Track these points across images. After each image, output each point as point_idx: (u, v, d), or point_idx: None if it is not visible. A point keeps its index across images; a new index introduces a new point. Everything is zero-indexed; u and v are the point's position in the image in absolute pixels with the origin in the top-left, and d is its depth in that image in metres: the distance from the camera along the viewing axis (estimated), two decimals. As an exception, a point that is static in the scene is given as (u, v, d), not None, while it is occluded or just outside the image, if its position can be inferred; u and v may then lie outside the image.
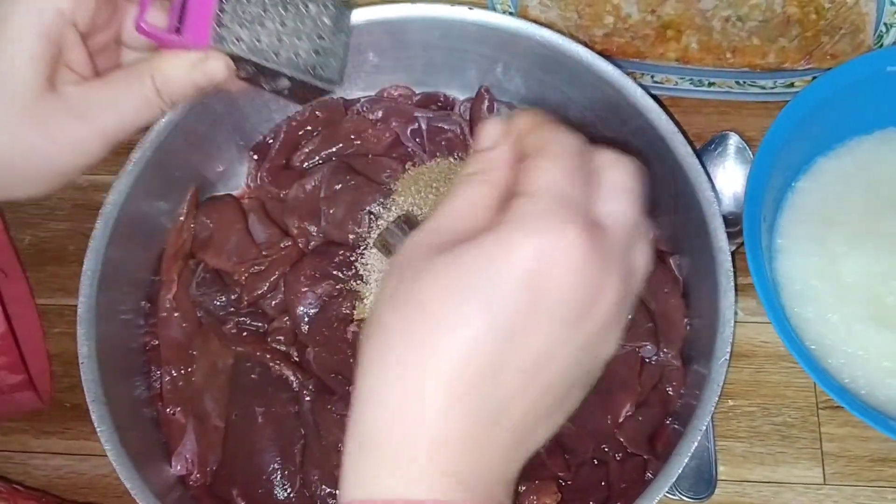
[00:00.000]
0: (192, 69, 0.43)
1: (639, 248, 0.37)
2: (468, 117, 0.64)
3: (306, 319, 0.58)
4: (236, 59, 0.45)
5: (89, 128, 0.41)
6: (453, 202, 0.36)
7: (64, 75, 0.41)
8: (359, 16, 0.58)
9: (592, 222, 0.34)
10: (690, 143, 0.55)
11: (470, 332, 0.32)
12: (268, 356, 0.57)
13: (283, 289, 0.59)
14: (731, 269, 0.52)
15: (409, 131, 0.64)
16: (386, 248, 0.41)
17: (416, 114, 0.64)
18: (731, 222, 0.58)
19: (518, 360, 0.33)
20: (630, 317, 0.40)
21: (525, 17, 0.69)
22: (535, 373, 0.34)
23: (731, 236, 0.56)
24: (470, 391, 0.33)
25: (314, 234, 0.60)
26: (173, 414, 0.57)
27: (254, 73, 0.46)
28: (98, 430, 0.50)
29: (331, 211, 0.60)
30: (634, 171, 0.37)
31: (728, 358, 0.51)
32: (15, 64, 0.39)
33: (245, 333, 0.58)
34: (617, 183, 0.36)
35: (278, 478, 0.55)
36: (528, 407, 0.35)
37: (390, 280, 0.35)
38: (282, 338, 0.58)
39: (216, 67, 0.44)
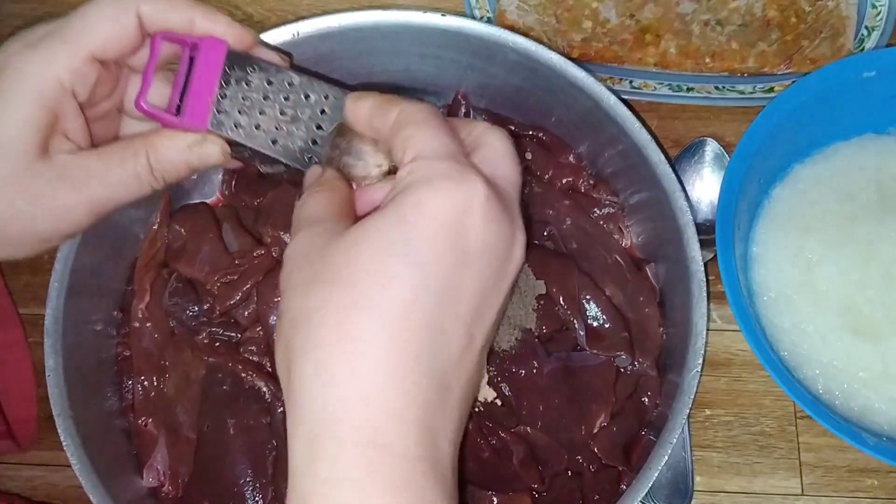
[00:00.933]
0: (188, 151, 0.42)
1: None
2: (444, 124, 0.64)
3: (279, 330, 0.57)
4: (233, 143, 0.45)
5: (77, 197, 0.40)
6: (313, 199, 0.39)
7: (59, 143, 0.40)
8: (331, 21, 0.58)
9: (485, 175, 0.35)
10: (664, 151, 0.55)
11: (403, 289, 0.32)
12: (240, 367, 0.56)
13: (255, 298, 0.58)
14: (704, 279, 0.52)
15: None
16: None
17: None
18: (708, 230, 0.58)
19: (457, 311, 0.33)
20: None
21: (503, 21, 0.68)
22: (473, 325, 0.34)
23: (707, 244, 0.56)
24: (418, 352, 0.32)
25: (288, 242, 0.60)
26: (145, 425, 0.57)
27: (249, 155, 0.46)
28: (64, 443, 0.50)
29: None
30: (510, 138, 0.39)
31: (700, 369, 0.51)
32: (9, 129, 0.38)
33: (217, 344, 0.58)
34: (498, 147, 0.38)
35: (250, 490, 0.54)
36: (475, 358, 0.35)
37: (296, 275, 0.35)
38: (254, 348, 0.57)
39: (212, 151, 0.43)
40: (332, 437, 0.31)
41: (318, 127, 0.45)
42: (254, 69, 0.43)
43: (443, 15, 0.58)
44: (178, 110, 0.42)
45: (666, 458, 0.49)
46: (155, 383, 0.57)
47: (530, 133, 0.64)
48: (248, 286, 0.58)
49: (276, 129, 0.44)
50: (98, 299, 0.58)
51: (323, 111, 0.45)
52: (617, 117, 0.56)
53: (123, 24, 0.40)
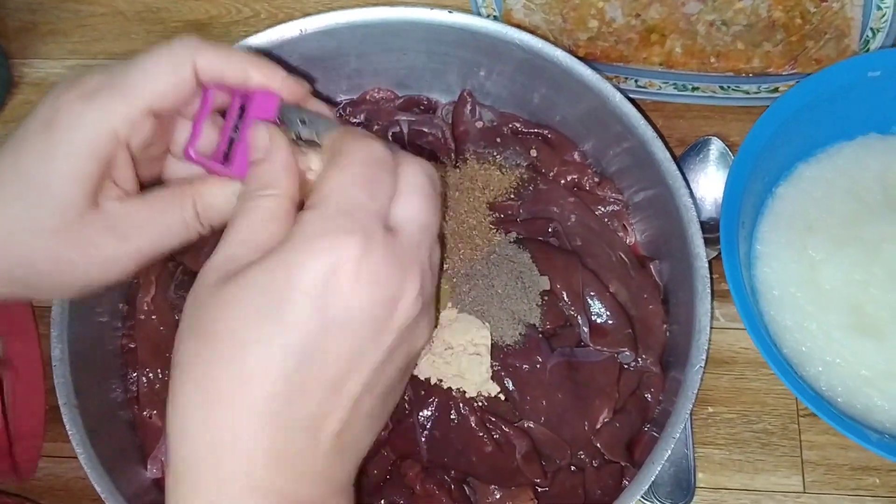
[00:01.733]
0: (235, 199, 0.41)
1: (434, 246, 0.38)
2: (450, 121, 0.64)
3: (283, 323, 0.57)
4: None
5: (125, 247, 0.40)
6: (240, 224, 0.37)
7: (108, 191, 0.40)
8: (338, 18, 0.58)
9: (385, 227, 0.35)
10: (669, 148, 0.55)
11: (263, 353, 0.33)
12: (244, 360, 0.56)
13: (260, 292, 0.58)
14: (708, 275, 0.52)
15: (390, 134, 0.63)
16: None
17: (397, 117, 0.64)
18: (713, 228, 0.58)
19: (322, 373, 0.34)
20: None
21: (509, 20, 0.69)
22: (343, 383, 0.35)
23: (712, 242, 0.56)
24: (276, 410, 0.33)
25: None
26: (150, 417, 0.57)
27: None
28: (69, 433, 0.50)
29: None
30: (429, 172, 0.39)
31: (703, 365, 0.51)
32: (63, 181, 0.38)
33: (222, 337, 0.58)
34: (412, 184, 0.37)
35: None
36: (344, 416, 0.35)
37: (185, 312, 0.36)
38: (259, 341, 0.57)
39: None
40: (189, 480, 0.34)
41: None
42: (304, 122, 0.42)
43: (450, 12, 0.58)
44: (226, 157, 0.42)
45: (668, 452, 0.49)
46: (160, 375, 0.58)
47: (535, 131, 0.64)
48: (254, 280, 0.58)
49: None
50: (104, 291, 0.58)
51: None
52: (623, 115, 0.56)
53: (181, 77, 0.40)
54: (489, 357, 0.54)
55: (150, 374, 0.58)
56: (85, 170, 0.38)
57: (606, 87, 0.56)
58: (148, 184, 0.43)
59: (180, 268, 0.60)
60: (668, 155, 0.55)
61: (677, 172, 0.54)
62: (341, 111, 0.64)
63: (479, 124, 0.64)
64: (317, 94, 0.45)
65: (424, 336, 0.39)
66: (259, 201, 0.37)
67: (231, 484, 0.33)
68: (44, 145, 0.38)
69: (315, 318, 0.33)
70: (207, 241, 0.59)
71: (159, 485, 0.56)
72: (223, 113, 0.43)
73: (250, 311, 0.33)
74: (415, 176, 0.38)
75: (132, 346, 0.59)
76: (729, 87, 0.66)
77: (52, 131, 0.38)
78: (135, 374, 0.58)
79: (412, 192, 0.37)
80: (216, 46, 0.41)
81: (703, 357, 0.51)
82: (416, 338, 0.39)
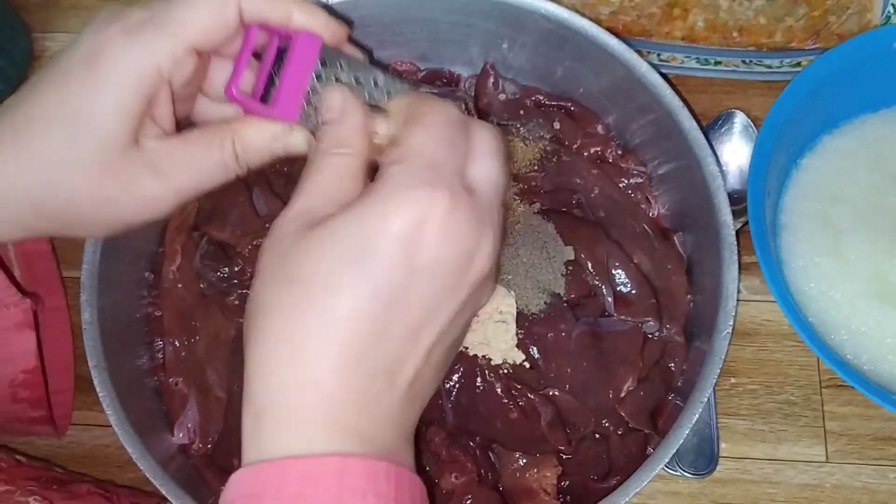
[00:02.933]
0: (274, 140, 0.42)
1: (501, 208, 0.39)
2: (473, 94, 0.64)
3: (308, 291, 0.58)
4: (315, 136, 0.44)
5: (164, 185, 0.40)
6: (318, 178, 0.38)
7: (148, 129, 0.40)
8: (363, -12, 0.58)
9: (464, 186, 0.37)
10: (696, 118, 0.55)
11: (351, 296, 0.34)
12: (270, 328, 0.57)
13: (286, 261, 0.59)
14: (735, 242, 0.52)
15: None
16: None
17: (420, 89, 0.64)
18: (736, 200, 0.59)
19: (404, 319, 0.35)
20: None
21: (531, -6, 0.69)
22: (421, 330, 0.36)
23: (735, 214, 0.56)
24: (360, 352, 0.34)
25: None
26: (175, 384, 0.57)
27: None
28: (100, 395, 0.50)
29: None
30: (499, 137, 0.40)
31: (731, 331, 0.51)
32: (106, 116, 0.38)
33: (248, 305, 0.58)
34: (485, 147, 0.39)
35: (279, 448, 0.55)
36: (419, 363, 0.36)
37: (264, 260, 0.37)
38: (284, 310, 0.58)
39: (299, 142, 0.42)
40: (271, 416, 0.34)
41: None
42: (343, 66, 0.42)
43: (475, -19, 0.58)
44: (263, 99, 0.41)
45: (696, 416, 0.49)
46: (185, 343, 0.58)
47: (558, 104, 0.64)
48: (279, 249, 0.59)
49: None
50: (130, 260, 0.58)
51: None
52: (649, 84, 0.56)
53: (225, 16, 0.40)
54: (514, 325, 0.54)
55: (176, 342, 0.58)
56: (129, 106, 0.38)
57: (633, 57, 0.56)
58: (179, 124, 0.43)
59: (205, 237, 0.60)
60: (694, 124, 0.55)
61: (704, 141, 0.54)
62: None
63: (501, 97, 0.64)
64: (350, 40, 0.46)
65: (487, 295, 0.40)
66: (334, 158, 0.38)
67: (314, 421, 0.34)
68: (88, 80, 0.38)
69: (403, 264, 0.34)
70: (233, 211, 0.60)
71: (185, 451, 0.56)
72: (256, 55, 0.43)
73: (339, 255, 0.34)
74: (488, 139, 0.39)
75: (158, 314, 0.59)
76: (751, 61, 0.66)
77: (97, 66, 0.38)
78: (161, 342, 0.59)
79: (486, 154, 0.38)
80: None
81: (731, 323, 0.51)
82: (482, 295, 0.39)
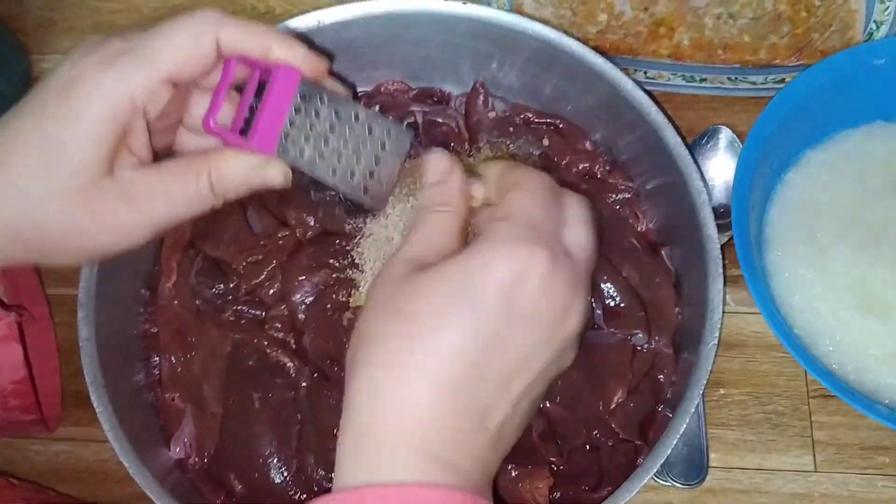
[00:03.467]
0: (251, 172, 0.42)
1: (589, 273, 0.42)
2: (464, 112, 0.66)
3: (303, 307, 0.58)
4: (294, 170, 0.45)
5: (138, 215, 0.40)
6: (424, 230, 0.41)
7: (123, 158, 0.40)
8: (355, 10, 0.59)
9: (561, 248, 0.39)
10: (681, 135, 0.57)
11: (456, 335, 0.36)
12: (265, 343, 0.58)
13: (280, 277, 0.60)
14: (720, 256, 0.53)
15: (405, 124, 0.65)
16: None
17: (412, 108, 0.65)
18: (722, 214, 0.59)
19: (500, 363, 0.37)
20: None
21: (520, 13, 0.70)
22: (513, 376, 0.38)
23: (721, 228, 0.57)
24: (458, 387, 0.36)
25: (311, 224, 0.61)
26: (172, 399, 0.58)
27: (307, 182, 0.46)
28: (97, 410, 0.51)
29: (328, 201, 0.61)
30: (589, 206, 0.43)
31: (717, 342, 0.52)
32: (80, 145, 0.38)
33: (243, 321, 0.59)
34: (579, 215, 0.42)
35: (275, 462, 0.55)
36: (508, 409, 0.38)
37: (374, 298, 0.39)
38: (279, 325, 0.58)
39: (275, 175, 0.43)
40: (373, 437, 0.36)
41: (377, 161, 0.46)
42: (323, 100, 0.43)
43: (464, 3, 0.59)
44: (243, 132, 0.42)
45: (683, 427, 0.50)
46: (181, 359, 0.59)
47: (547, 121, 0.65)
48: (273, 265, 0.60)
49: (338, 160, 0.45)
50: (126, 277, 0.59)
51: (384, 145, 0.46)
52: (634, 101, 0.57)
53: (203, 48, 0.40)
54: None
55: (172, 358, 0.59)
56: (102, 134, 0.39)
57: (618, 75, 0.58)
58: (159, 155, 0.43)
59: (200, 255, 0.61)
60: (679, 140, 0.56)
61: (689, 157, 0.55)
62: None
63: (491, 114, 0.65)
64: (333, 74, 0.47)
65: (571, 358, 0.42)
66: (438, 215, 0.41)
67: (411, 447, 0.36)
68: (63, 108, 0.38)
69: (504, 310, 0.36)
70: (228, 228, 0.61)
71: (182, 465, 0.57)
72: (238, 88, 0.43)
73: (444, 296, 0.36)
74: (581, 208, 0.42)
75: (154, 330, 0.60)
76: (736, 78, 0.68)
77: (71, 95, 0.38)
78: (157, 358, 0.59)
79: (580, 221, 0.41)
80: (239, 19, 0.41)
81: (717, 335, 0.52)
82: (566, 356, 0.41)
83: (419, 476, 0.35)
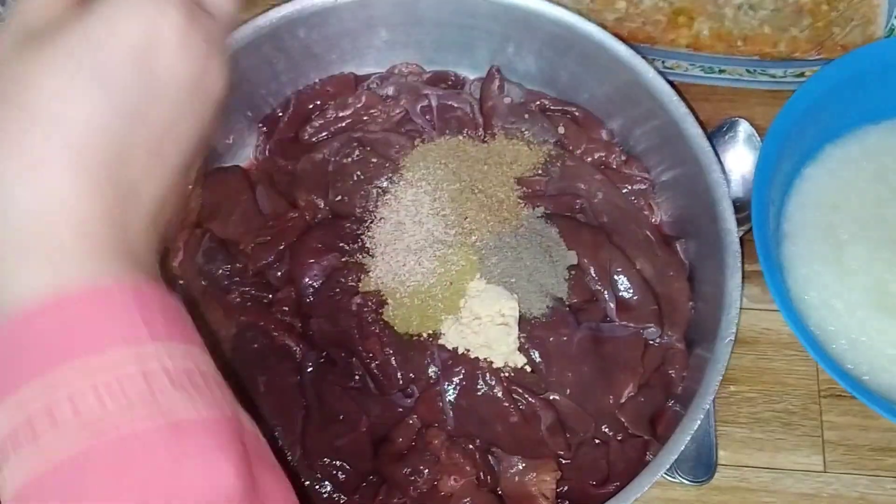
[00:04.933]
0: None
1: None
2: (478, 96, 0.64)
3: (311, 291, 0.57)
4: None
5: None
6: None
7: None
8: (372, -11, 0.58)
9: (195, 4, 0.35)
10: (702, 124, 0.56)
11: (87, 111, 0.32)
12: (271, 326, 0.57)
13: (288, 260, 0.59)
14: (739, 250, 0.53)
15: (418, 108, 0.64)
16: None
17: (425, 91, 0.64)
18: (739, 208, 0.58)
19: (144, 135, 0.34)
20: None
21: (538, -1, 0.69)
22: (161, 147, 0.35)
23: (738, 222, 0.56)
24: (102, 170, 0.32)
25: (321, 207, 0.60)
26: (175, 381, 0.57)
27: None
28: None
29: (339, 184, 0.60)
30: None
31: (733, 339, 0.51)
32: None
33: (249, 303, 0.58)
34: None
35: (279, 446, 0.55)
36: (159, 182, 0.35)
37: None
38: (286, 308, 0.58)
39: None
40: (15, 245, 0.31)
41: None
42: None
43: (485, -16, 0.58)
44: None
45: (697, 424, 0.49)
46: (186, 339, 0.58)
47: (563, 108, 0.64)
48: (282, 247, 0.59)
49: None
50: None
51: None
52: (655, 90, 0.57)
53: None
54: (517, 328, 0.54)
55: (177, 339, 0.58)
56: None
57: (639, 63, 0.57)
58: None
59: (207, 234, 0.60)
60: (700, 132, 0.55)
61: (709, 149, 0.55)
62: (371, 84, 0.65)
63: (506, 100, 0.64)
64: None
65: (200, 125, 0.38)
66: None
67: (69, 249, 0.31)
68: None
69: (137, 77, 0.33)
70: (236, 208, 0.60)
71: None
72: None
73: (68, 69, 0.32)
74: None
75: (159, 310, 0.59)
76: (756, 70, 0.67)
77: None
78: (161, 339, 0.58)
79: None
80: None
81: (733, 331, 0.51)
82: (208, 121, 0.38)
83: (76, 272, 0.31)
